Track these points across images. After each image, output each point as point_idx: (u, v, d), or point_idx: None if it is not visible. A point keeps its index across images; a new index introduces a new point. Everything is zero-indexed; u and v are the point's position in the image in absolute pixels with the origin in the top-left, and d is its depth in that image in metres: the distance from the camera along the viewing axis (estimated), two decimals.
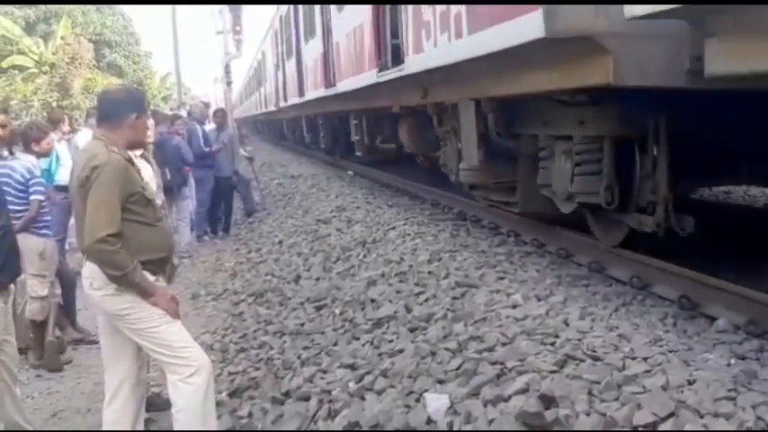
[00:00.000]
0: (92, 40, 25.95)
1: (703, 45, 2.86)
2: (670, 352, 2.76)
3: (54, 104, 19.67)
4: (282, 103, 17.56)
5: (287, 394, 3.63)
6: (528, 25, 3.56)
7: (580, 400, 2.37)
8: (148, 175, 3.40)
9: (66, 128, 7.75)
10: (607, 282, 4.41)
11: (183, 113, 12.09)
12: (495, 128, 5.39)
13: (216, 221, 10.18)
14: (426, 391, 2.88)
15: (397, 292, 4.41)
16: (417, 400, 2.84)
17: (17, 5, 29.58)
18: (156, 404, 3.85)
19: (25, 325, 5.01)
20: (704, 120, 3.97)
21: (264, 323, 5.16)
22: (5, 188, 4.22)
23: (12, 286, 3.58)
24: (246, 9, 19.87)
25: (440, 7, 5.08)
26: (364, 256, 5.72)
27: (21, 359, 4.28)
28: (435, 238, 5.67)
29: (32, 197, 4.83)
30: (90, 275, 3.01)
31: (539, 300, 3.69)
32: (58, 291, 5.39)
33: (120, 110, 3.09)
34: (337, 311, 4.60)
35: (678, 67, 3.29)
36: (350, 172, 12.68)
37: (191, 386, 3.02)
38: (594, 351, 2.74)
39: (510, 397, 2.55)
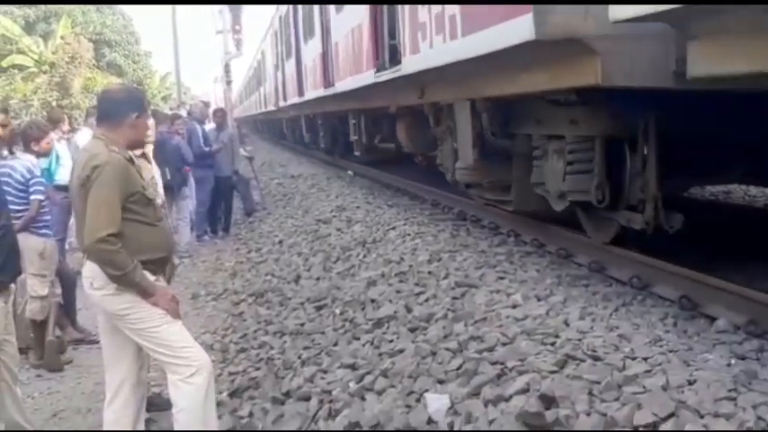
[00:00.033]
0: (92, 40, 25.95)
1: (686, 47, 2.95)
2: (670, 352, 2.76)
3: (54, 104, 19.65)
4: (282, 103, 17.59)
5: (287, 394, 3.63)
6: (519, 28, 3.66)
7: (580, 400, 2.37)
8: (151, 174, 3.40)
9: (65, 127, 7.75)
10: (607, 282, 4.41)
11: (183, 113, 12.09)
12: (490, 127, 5.50)
13: (216, 221, 10.18)
14: (427, 391, 2.88)
15: (398, 292, 4.42)
16: (418, 401, 2.85)
17: (17, 5, 29.57)
18: (157, 404, 3.85)
19: (25, 325, 5.01)
20: (693, 120, 4.05)
21: (265, 323, 5.16)
22: (5, 188, 4.22)
23: (12, 286, 3.58)
24: (246, 9, 19.86)
25: (435, 9, 5.17)
26: (364, 256, 5.72)
27: (21, 359, 4.28)
28: (435, 238, 5.67)
29: (32, 197, 4.83)
30: (90, 275, 3.01)
31: (539, 300, 3.70)
32: (59, 290, 5.39)
33: (121, 109, 3.09)
34: (337, 311, 4.60)
35: (664, 69, 3.36)
36: (350, 172, 12.69)
37: (191, 386, 3.02)
38: (595, 351, 2.74)
39: (510, 397, 2.56)
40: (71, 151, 6.87)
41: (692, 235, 5.29)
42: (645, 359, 2.63)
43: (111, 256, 2.89)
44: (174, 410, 3.10)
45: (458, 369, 2.95)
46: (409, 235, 5.94)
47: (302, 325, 4.71)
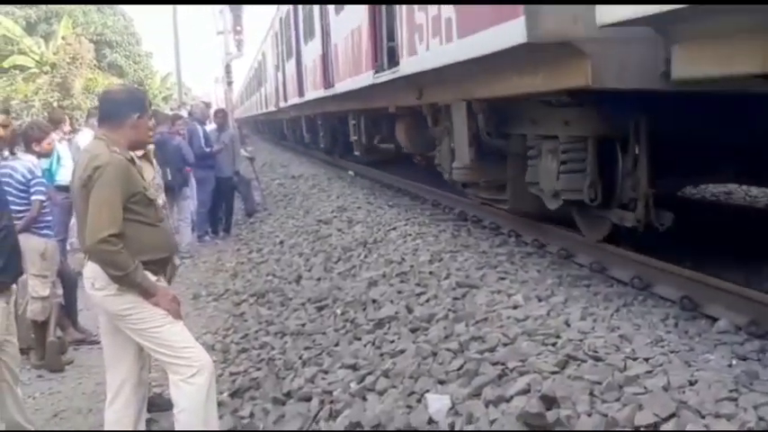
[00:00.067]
0: (93, 41, 25.95)
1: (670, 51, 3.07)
2: (671, 352, 2.76)
3: (55, 104, 19.65)
4: (282, 104, 17.62)
5: (288, 395, 3.63)
6: (511, 31, 3.77)
7: (581, 400, 2.37)
8: (152, 175, 3.40)
9: (67, 128, 7.76)
10: (608, 282, 4.40)
11: (184, 114, 12.09)
12: (486, 128, 5.60)
13: (217, 222, 10.19)
14: (428, 391, 2.88)
15: (399, 292, 4.41)
16: (419, 401, 2.85)
17: (18, 5, 29.59)
18: (158, 404, 3.85)
19: (27, 325, 5.02)
20: (682, 121, 4.14)
21: (266, 323, 5.16)
22: (7, 188, 4.22)
23: (13, 286, 3.58)
24: (247, 9, 19.86)
25: (432, 12, 5.27)
26: (365, 257, 5.72)
27: (22, 359, 4.28)
28: (436, 239, 5.67)
29: (33, 197, 4.83)
30: (92, 275, 3.01)
31: (540, 300, 3.69)
32: (60, 291, 5.40)
33: (122, 110, 3.10)
34: (338, 312, 4.60)
35: (653, 71, 3.45)
36: (350, 172, 12.70)
37: (192, 386, 3.02)
38: (596, 351, 2.74)
39: (511, 397, 2.55)
40: (72, 152, 6.88)
41: (694, 235, 5.30)
42: (646, 359, 2.63)
43: (113, 257, 2.89)
44: (175, 411, 3.10)
45: (459, 369, 2.95)
46: (410, 235, 5.94)
47: (303, 325, 4.71)
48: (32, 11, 30.33)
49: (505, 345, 3.04)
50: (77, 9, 30.46)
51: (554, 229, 5.44)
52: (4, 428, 3.50)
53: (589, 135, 4.45)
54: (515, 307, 3.55)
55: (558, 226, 5.40)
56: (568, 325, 3.17)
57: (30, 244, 4.66)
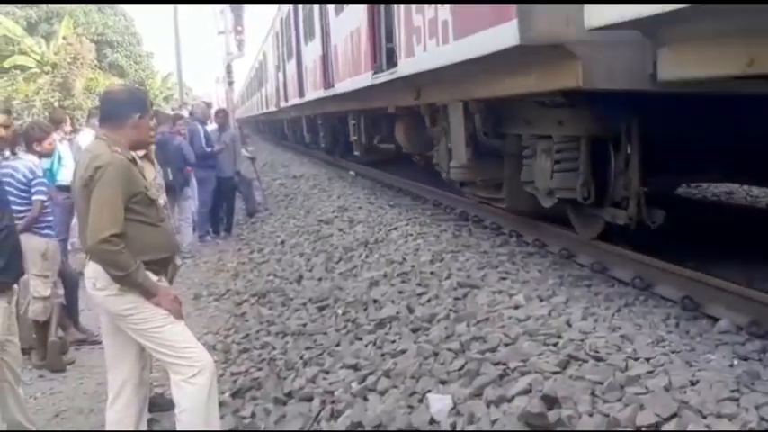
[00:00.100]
0: (93, 41, 25.96)
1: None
2: (672, 352, 2.76)
3: (56, 104, 19.65)
4: (283, 104, 17.63)
5: (289, 395, 3.63)
6: (505, 33, 3.87)
7: (583, 400, 2.37)
8: (153, 175, 3.40)
9: (68, 128, 7.76)
10: (609, 282, 4.41)
11: (185, 114, 12.09)
12: (483, 128, 5.69)
13: (218, 222, 10.19)
14: (429, 391, 2.88)
15: (400, 292, 4.41)
16: (420, 401, 2.84)
17: (19, 5, 29.60)
18: (159, 404, 3.86)
19: (28, 325, 5.02)
20: (670, 122, 4.24)
21: (267, 323, 5.16)
22: (8, 188, 4.22)
23: (15, 287, 3.58)
24: (248, 9, 19.88)
25: (429, 14, 5.39)
26: (366, 257, 5.72)
27: (24, 359, 4.28)
28: (437, 239, 5.67)
29: (35, 197, 4.84)
30: (93, 275, 3.01)
31: (541, 300, 3.69)
32: (61, 291, 5.39)
33: (123, 110, 3.10)
34: (340, 312, 4.60)
35: (642, 72, 3.52)
36: (351, 172, 12.71)
37: (194, 386, 3.03)
38: (597, 351, 2.74)
39: (513, 397, 2.55)
40: (73, 152, 6.88)
41: (695, 235, 5.30)
42: (647, 360, 2.63)
43: (114, 257, 2.89)
44: (176, 411, 3.10)
45: (460, 369, 2.95)
46: (411, 235, 5.94)
47: (304, 325, 4.71)
48: (33, 11, 30.35)
49: (507, 345, 3.04)
50: (78, 9, 30.47)
51: (555, 228, 5.45)
52: (5, 428, 3.50)
53: (582, 135, 4.55)
54: (517, 307, 3.55)
55: (558, 226, 5.40)
56: (570, 325, 3.17)
57: (31, 244, 4.67)
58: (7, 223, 3.46)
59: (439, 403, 2.72)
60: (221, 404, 3.52)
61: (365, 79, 8.00)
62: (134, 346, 3.14)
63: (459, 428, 2.56)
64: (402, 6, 6.34)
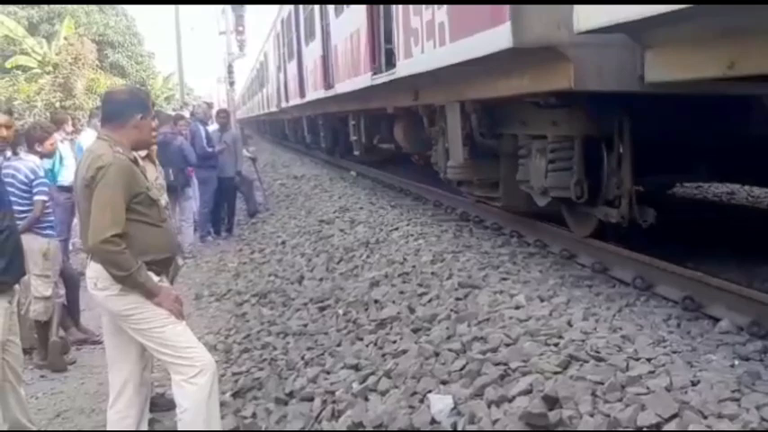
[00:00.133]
0: (95, 41, 25.91)
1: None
2: (674, 353, 2.76)
3: (57, 105, 19.64)
4: (284, 104, 17.64)
5: (291, 395, 3.63)
6: (498, 36, 3.97)
7: (584, 400, 2.37)
8: (155, 175, 3.41)
9: (69, 128, 7.77)
10: (610, 282, 4.41)
11: (186, 114, 12.10)
12: (479, 128, 5.83)
13: (219, 222, 10.19)
14: (430, 391, 2.88)
15: (401, 292, 4.41)
16: (421, 401, 2.85)
17: (20, 5, 29.61)
18: (160, 405, 3.86)
19: (29, 325, 5.03)
20: (662, 121, 4.34)
21: (268, 324, 5.16)
22: (9, 188, 4.22)
23: (16, 287, 3.58)
24: (249, 9, 19.88)
25: (426, 16, 5.51)
26: (367, 257, 5.72)
27: (25, 359, 4.28)
28: (438, 239, 5.67)
29: (36, 197, 4.84)
30: (94, 275, 3.01)
31: (542, 300, 3.69)
32: (62, 291, 5.40)
33: (125, 110, 3.10)
34: (341, 312, 4.60)
35: (632, 74, 3.60)
36: (352, 172, 12.73)
37: (195, 386, 3.03)
38: (598, 352, 2.74)
39: (514, 398, 2.55)
40: (75, 152, 6.89)
41: (696, 236, 5.30)
42: (648, 360, 2.63)
43: (116, 257, 2.90)
44: (177, 411, 3.11)
45: (461, 370, 2.95)
46: (412, 236, 5.94)
47: (305, 326, 4.71)
48: (35, 11, 30.35)
49: (508, 345, 3.04)
50: (80, 9, 30.45)
51: (556, 229, 5.45)
52: (7, 428, 3.50)
53: (575, 135, 4.64)
54: (517, 307, 3.55)
55: (559, 226, 5.41)
56: (571, 325, 3.17)
57: (32, 244, 4.67)
58: (9, 223, 3.46)
59: (440, 403, 2.72)
60: (222, 404, 3.52)
61: (365, 80, 8.09)
62: (135, 346, 3.15)
63: (459, 429, 2.56)
64: (400, 8, 6.42)
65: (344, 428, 2.95)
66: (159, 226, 3.09)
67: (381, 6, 7.43)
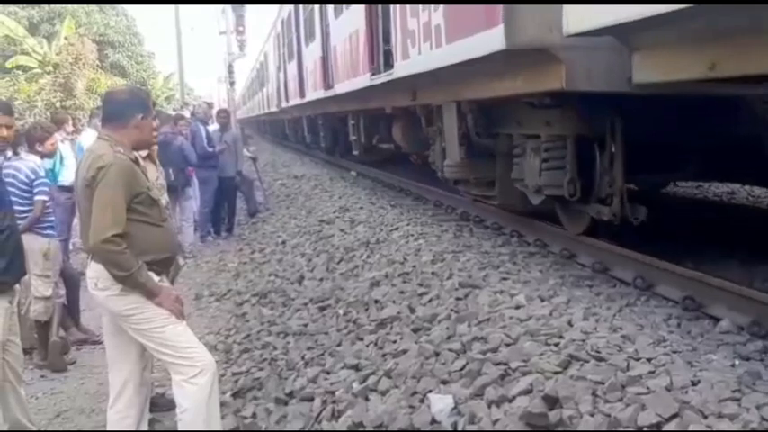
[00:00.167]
0: (95, 41, 25.89)
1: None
2: (674, 353, 2.76)
3: (57, 105, 19.64)
4: (284, 104, 17.66)
5: (291, 395, 3.63)
6: (492, 38, 4.09)
7: (584, 400, 2.37)
8: (156, 175, 3.41)
9: (69, 128, 7.77)
10: (611, 282, 4.41)
11: (187, 114, 12.10)
12: (475, 128, 5.92)
13: (219, 222, 10.20)
14: (430, 391, 2.88)
15: (401, 292, 4.41)
16: (421, 401, 2.85)
17: (20, 5, 29.62)
18: (161, 405, 3.86)
19: (29, 325, 5.03)
20: (653, 122, 4.43)
21: (268, 324, 5.16)
22: (10, 188, 4.22)
23: (17, 287, 3.59)
24: (249, 9, 19.90)
25: (423, 18, 5.64)
26: (368, 257, 5.72)
27: (25, 359, 4.28)
28: (439, 239, 5.67)
29: (37, 197, 4.84)
30: (95, 275, 3.01)
31: (542, 300, 3.69)
32: (62, 291, 5.40)
33: (126, 110, 3.10)
34: (341, 312, 4.60)
35: (621, 75, 3.67)
36: (353, 172, 12.74)
37: (195, 386, 3.03)
38: (598, 352, 2.74)
39: (514, 397, 2.55)
40: (75, 152, 6.89)
41: (696, 236, 5.30)
42: (649, 360, 2.63)
43: (116, 257, 2.90)
44: (177, 411, 3.11)
45: (461, 370, 2.95)
46: (412, 235, 5.94)
47: (305, 325, 4.71)
48: (35, 11, 30.36)
49: (508, 345, 3.04)
50: (80, 9, 30.45)
51: (556, 229, 5.45)
52: (7, 428, 3.50)
53: (568, 135, 4.74)
54: (518, 307, 3.55)
55: (559, 226, 5.41)
56: (571, 325, 3.17)
57: (33, 244, 4.67)
58: (9, 223, 3.46)
59: (440, 403, 2.72)
60: (222, 404, 3.52)
61: (363, 80, 8.19)
62: (135, 346, 3.15)
63: (460, 429, 2.56)
64: (398, 10, 6.53)
65: (344, 428, 2.95)
66: (160, 226, 3.10)
67: (380, 8, 7.54)
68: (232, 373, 4.39)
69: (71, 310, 5.58)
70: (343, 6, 9.49)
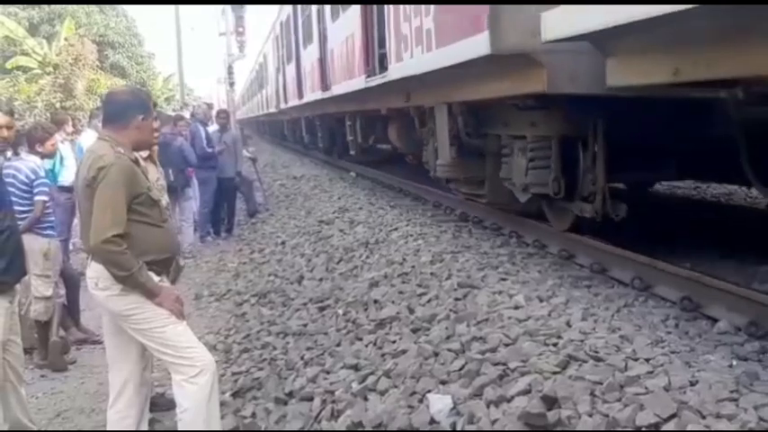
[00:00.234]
0: (95, 41, 25.89)
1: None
2: (672, 353, 2.77)
3: (57, 105, 19.64)
4: (283, 105, 17.71)
5: (290, 394, 3.64)
6: (478, 44, 4.30)
7: (582, 400, 2.38)
8: (156, 176, 3.41)
9: (69, 129, 7.77)
10: (609, 283, 4.41)
11: (187, 114, 12.11)
12: (465, 128, 6.15)
13: (219, 222, 10.20)
14: (429, 391, 2.89)
15: (400, 292, 4.42)
16: (420, 401, 2.85)
17: (20, 6, 29.62)
18: (161, 404, 3.87)
19: (30, 325, 5.03)
20: (633, 123, 4.55)
21: (268, 324, 5.16)
22: (10, 189, 4.23)
23: (17, 287, 3.60)
24: (249, 9, 19.91)
25: (415, 23, 5.87)
26: (367, 257, 5.73)
27: (25, 359, 4.29)
28: (438, 239, 5.68)
29: (37, 198, 4.85)
30: (95, 275, 3.02)
31: (541, 301, 3.70)
32: (63, 291, 5.41)
33: (127, 111, 3.11)
34: (340, 312, 4.61)
35: (601, 78, 3.76)
36: (352, 173, 12.75)
37: (195, 386, 3.04)
38: (597, 352, 2.75)
39: (513, 398, 2.56)
40: (75, 153, 6.89)
41: (694, 237, 5.31)
42: (647, 360, 2.64)
43: (117, 257, 2.91)
44: (177, 410, 3.11)
45: (460, 370, 2.96)
46: (412, 236, 5.95)
47: (305, 325, 4.72)
48: (35, 12, 30.36)
49: (507, 345, 3.04)
50: (80, 10, 30.45)
51: (555, 229, 5.46)
52: (8, 428, 3.51)
53: (553, 135, 4.94)
54: (516, 307, 3.56)
55: (559, 227, 5.43)
56: (569, 325, 3.18)
57: (33, 244, 4.67)
58: (9, 223, 3.47)
59: (439, 403, 2.73)
60: (222, 404, 3.53)
61: (359, 82, 8.40)
62: (135, 346, 3.16)
63: (459, 429, 2.57)
64: (392, 15, 6.73)
65: (344, 428, 2.95)
66: (160, 226, 3.10)
67: (375, 13, 7.72)
68: (232, 372, 4.40)
69: (71, 310, 5.59)
70: (340, 10, 9.66)
